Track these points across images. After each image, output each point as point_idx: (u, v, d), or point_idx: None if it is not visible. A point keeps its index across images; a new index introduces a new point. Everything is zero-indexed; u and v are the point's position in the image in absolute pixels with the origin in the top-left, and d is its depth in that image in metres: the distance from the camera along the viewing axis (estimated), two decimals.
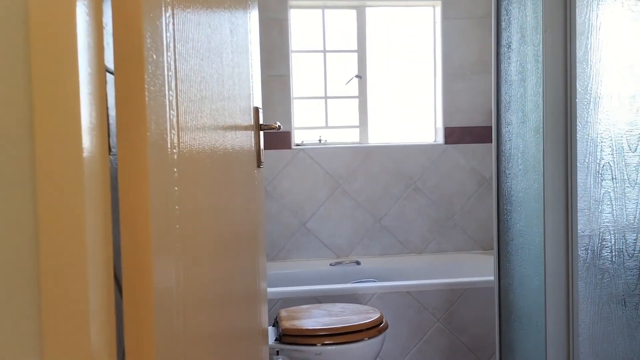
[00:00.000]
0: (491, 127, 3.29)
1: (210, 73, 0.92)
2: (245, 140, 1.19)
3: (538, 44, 1.27)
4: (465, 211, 3.27)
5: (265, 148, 3.12)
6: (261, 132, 1.30)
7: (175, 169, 0.75)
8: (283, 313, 2.10)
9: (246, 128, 1.21)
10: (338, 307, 2.15)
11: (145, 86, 0.67)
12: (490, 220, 3.27)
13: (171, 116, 0.74)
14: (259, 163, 1.28)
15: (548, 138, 1.26)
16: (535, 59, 1.29)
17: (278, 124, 1.29)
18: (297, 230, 3.17)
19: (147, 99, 0.67)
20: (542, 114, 1.26)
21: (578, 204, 1.47)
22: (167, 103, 0.73)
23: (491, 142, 3.30)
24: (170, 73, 0.74)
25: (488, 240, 3.29)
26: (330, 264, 3.12)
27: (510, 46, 1.42)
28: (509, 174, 1.44)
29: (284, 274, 3.07)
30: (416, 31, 3.33)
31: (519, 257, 1.43)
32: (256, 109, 1.28)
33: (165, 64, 0.73)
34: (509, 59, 1.42)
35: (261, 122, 1.30)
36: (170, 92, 0.74)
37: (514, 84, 1.40)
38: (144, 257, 0.65)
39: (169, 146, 0.73)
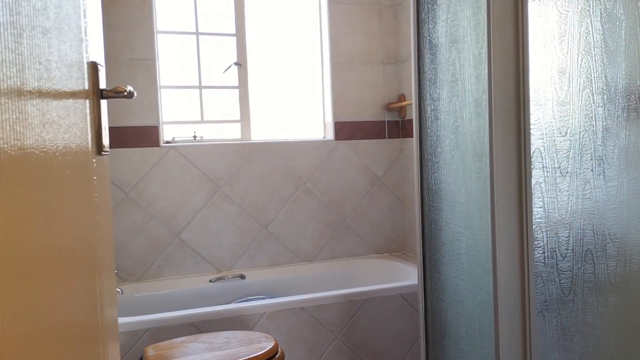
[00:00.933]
0: (384, 121, 3.08)
1: None
2: (73, 111, 0.75)
3: None
4: (357, 213, 3.01)
5: (126, 146, 2.60)
6: (103, 101, 0.86)
7: None
8: (150, 351, 1.64)
9: (74, 94, 0.77)
10: (221, 337, 1.74)
11: None
12: (383, 221, 3.05)
13: None
14: (99, 148, 0.85)
15: (497, 114, 0.98)
16: (475, 12, 1.01)
17: (129, 88, 0.86)
18: (169, 243, 2.68)
19: None
20: (486, 82, 0.98)
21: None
22: None
23: (384, 137, 3.10)
24: None
25: (382, 243, 3.06)
26: (210, 281, 2.68)
27: (435, 2, 1.13)
28: (437, 162, 1.15)
29: (154, 296, 2.57)
30: (301, 16, 3.01)
31: (454, 265, 1.15)
32: (93, 65, 0.84)
33: None
34: (434, 18, 1.14)
35: (103, 86, 0.87)
36: None
37: (441, 48, 1.11)
38: None
39: None
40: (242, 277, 2.73)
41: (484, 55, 0.99)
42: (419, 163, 1.22)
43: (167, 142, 2.73)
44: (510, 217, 1.04)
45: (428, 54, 1.17)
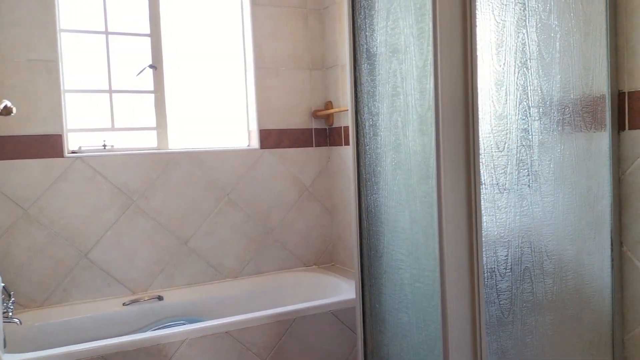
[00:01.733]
0: (311, 129, 2.97)
1: None
2: None
3: None
4: (285, 224, 2.88)
5: (24, 156, 2.31)
6: None
7: None
8: None
9: None
10: None
11: None
12: (311, 232, 2.94)
13: None
14: None
15: (445, 132, 0.88)
16: (418, 19, 0.92)
17: (6, 103, 0.68)
18: (76, 264, 2.42)
19: None
20: (432, 97, 0.89)
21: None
22: None
23: (311, 146, 2.99)
24: None
25: (310, 255, 2.95)
26: (124, 304, 2.44)
27: (373, 7, 1.03)
28: (377, 182, 1.05)
29: (60, 325, 2.30)
30: (222, 16, 2.84)
31: (397, 297, 1.05)
32: None
33: None
34: (372, 25, 1.03)
35: None
36: None
37: (380, 58, 1.01)
38: None
39: None
40: (160, 298, 2.52)
41: (429, 67, 0.90)
42: (357, 183, 1.11)
43: (73, 152, 2.46)
44: (459, 246, 0.96)
45: (365, 64, 1.06)
